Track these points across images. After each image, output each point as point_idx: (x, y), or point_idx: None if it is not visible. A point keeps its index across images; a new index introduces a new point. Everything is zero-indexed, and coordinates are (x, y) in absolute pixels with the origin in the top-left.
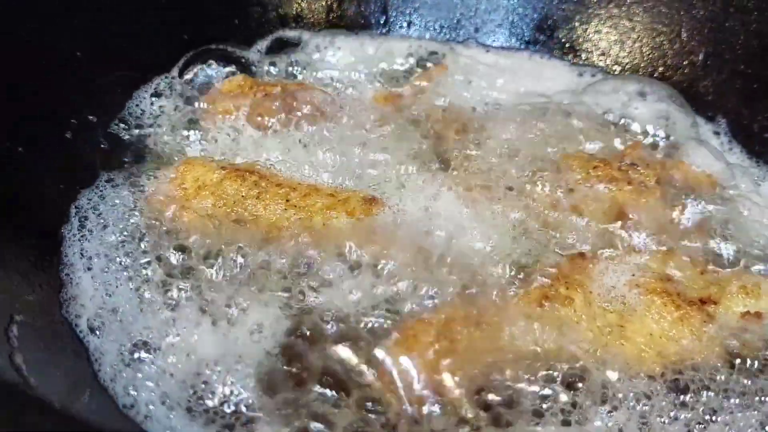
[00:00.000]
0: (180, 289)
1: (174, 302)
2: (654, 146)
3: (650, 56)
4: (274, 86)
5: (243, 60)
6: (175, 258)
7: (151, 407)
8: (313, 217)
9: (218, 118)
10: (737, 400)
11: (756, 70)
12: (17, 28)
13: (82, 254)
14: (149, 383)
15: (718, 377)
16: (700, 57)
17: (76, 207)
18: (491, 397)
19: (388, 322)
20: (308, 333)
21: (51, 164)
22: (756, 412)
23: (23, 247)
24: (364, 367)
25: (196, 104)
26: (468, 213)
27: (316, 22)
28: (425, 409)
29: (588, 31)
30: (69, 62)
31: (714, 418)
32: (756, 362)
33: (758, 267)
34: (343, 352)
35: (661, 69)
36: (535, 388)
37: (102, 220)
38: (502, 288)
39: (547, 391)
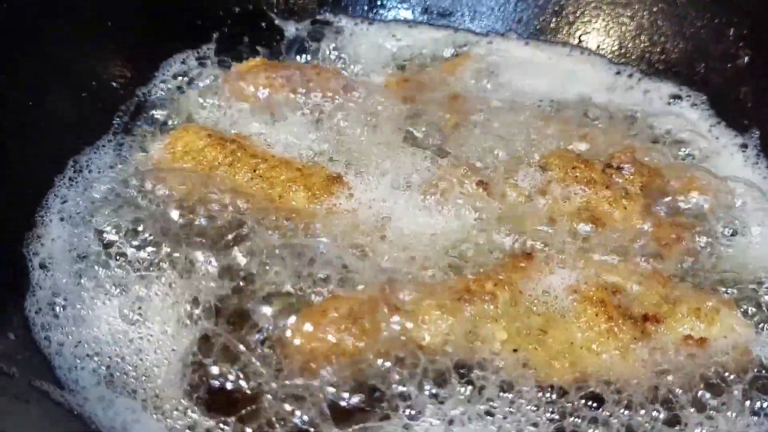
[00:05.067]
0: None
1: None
2: (671, 154)
3: (693, 56)
4: (290, 68)
5: (271, 40)
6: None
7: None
8: (274, 188)
9: (233, 95)
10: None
11: None
12: None
13: (62, 201)
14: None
15: (632, 400)
16: (745, 61)
17: (74, 160)
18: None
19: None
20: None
21: (61, 118)
22: None
23: (16, 187)
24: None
25: (215, 80)
26: (428, 203)
27: (349, 7)
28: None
29: (631, 27)
30: (98, 28)
31: None
32: (679, 395)
33: (731, 290)
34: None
35: (702, 71)
36: (410, 381)
37: (90, 176)
38: (429, 278)
39: (416, 386)
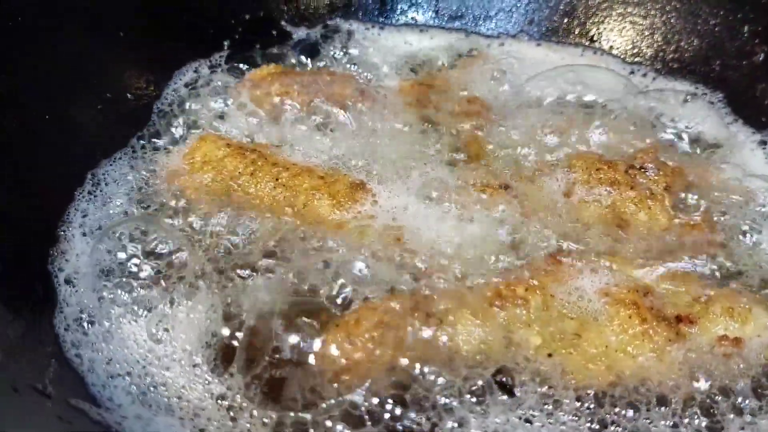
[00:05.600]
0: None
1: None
2: (690, 152)
3: (708, 54)
4: (303, 75)
5: (283, 47)
6: (170, 225)
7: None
8: (298, 197)
9: (248, 103)
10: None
11: None
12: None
13: (83, 215)
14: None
15: (671, 406)
16: (761, 58)
17: (92, 173)
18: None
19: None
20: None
21: (77, 132)
22: None
23: (33, 202)
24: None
25: (229, 88)
26: (453, 210)
27: (359, 12)
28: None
29: (644, 26)
30: (111, 39)
31: None
32: (719, 401)
33: (763, 290)
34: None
35: (718, 69)
36: (449, 387)
37: (109, 188)
38: (459, 285)
39: (457, 396)
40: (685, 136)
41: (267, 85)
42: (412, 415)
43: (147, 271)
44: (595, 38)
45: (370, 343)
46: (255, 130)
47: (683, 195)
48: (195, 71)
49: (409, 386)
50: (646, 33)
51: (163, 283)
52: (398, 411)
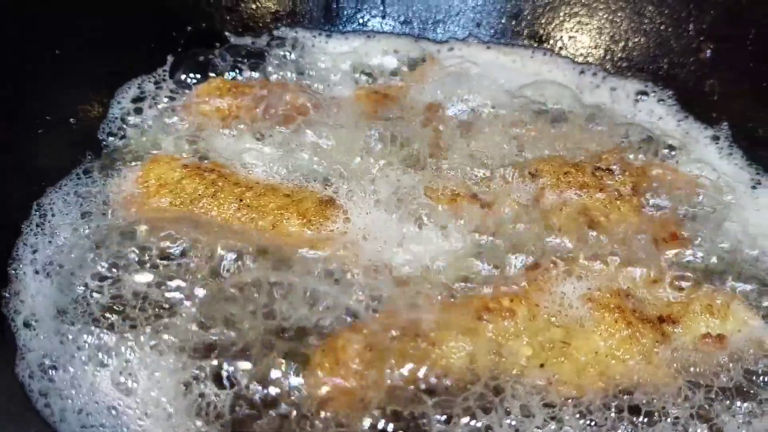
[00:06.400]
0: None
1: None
2: (646, 151)
3: (655, 53)
4: (253, 87)
5: (225, 60)
6: (127, 257)
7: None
8: (265, 217)
9: (196, 120)
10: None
11: (765, 71)
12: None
13: (32, 251)
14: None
15: (662, 403)
16: (708, 54)
17: (37, 204)
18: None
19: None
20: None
21: (19, 160)
22: None
23: None
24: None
25: (175, 105)
26: (426, 223)
27: (305, 20)
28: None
29: (591, 26)
30: (46, 59)
31: None
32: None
33: (735, 284)
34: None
35: (666, 66)
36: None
37: (57, 219)
38: (443, 299)
39: (459, 410)
40: (640, 134)
41: (216, 100)
42: None
43: (109, 309)
44: (544, 39)
45: (357, 370)
46: (207, 148)
47: (649, 194)
48: (139, 88)
49: (401, 413)
50: (594, 33)
51: (128, 322)
52: None
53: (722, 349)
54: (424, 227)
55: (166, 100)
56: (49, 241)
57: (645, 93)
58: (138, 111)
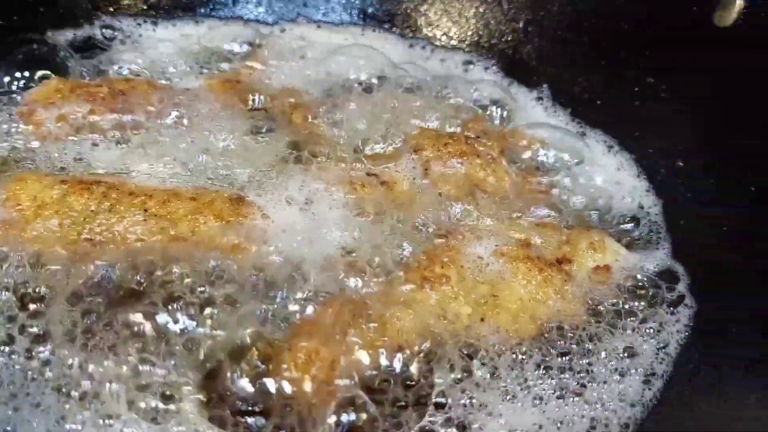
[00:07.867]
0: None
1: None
2: (491, 117)
3: (475, 26)
4: (98, 87)
5: (54, 57)
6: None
7: None
8: (179, 225)
9: (38, 129)
10: (607, 345)
11: (573, 36)
12: None
13: None
14: None
15: (587, 328)
16: (521, 25)
17: None
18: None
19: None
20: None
21: None
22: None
23: None
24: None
25: (12, 114)
26: (333, 206)
27: (132, 7)
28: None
29: (415, 3)
30: None
31: (592, 368)
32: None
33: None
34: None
35: (486, 38)
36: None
37: None
38: (381, 278)
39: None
40: (481, 101)
41: (54, 104)
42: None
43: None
44: (365, 17)
45: (324, 357)
46: (67, 160)
47: (512, 155)
48: None
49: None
50: (421, 10)
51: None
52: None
53: (610, 275)
54: (337, 213)
55: None
56: None
57: (471, 62)
58: None
